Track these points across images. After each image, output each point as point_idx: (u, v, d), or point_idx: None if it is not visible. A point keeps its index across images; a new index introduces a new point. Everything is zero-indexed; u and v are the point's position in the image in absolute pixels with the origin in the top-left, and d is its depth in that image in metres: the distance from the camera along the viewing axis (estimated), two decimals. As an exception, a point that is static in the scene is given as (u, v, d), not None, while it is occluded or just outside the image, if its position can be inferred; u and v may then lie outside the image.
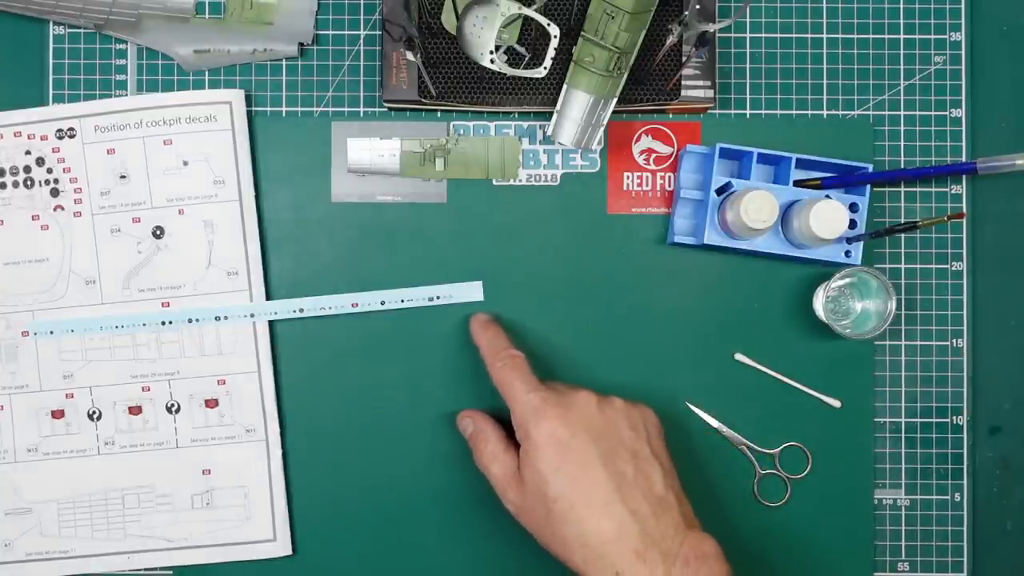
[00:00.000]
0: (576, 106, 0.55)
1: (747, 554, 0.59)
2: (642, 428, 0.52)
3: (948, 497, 0.60)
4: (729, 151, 0.58)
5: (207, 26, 0.59)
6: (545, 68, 0.52)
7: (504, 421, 0.54)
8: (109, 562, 0.59)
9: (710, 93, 0.59)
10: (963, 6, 0.61)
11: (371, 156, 0.60)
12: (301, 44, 0.59)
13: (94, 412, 0.59)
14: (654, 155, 0.60)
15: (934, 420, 0.61)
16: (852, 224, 0.58)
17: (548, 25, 0.51)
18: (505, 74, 0.52)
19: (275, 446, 0.59)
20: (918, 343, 0.60)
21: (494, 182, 0.60)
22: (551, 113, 0.56)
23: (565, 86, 0.55)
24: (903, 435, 0.60)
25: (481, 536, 0.59)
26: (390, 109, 0.60)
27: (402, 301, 0.59)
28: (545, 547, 0.50)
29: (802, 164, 0.58)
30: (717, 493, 0.60)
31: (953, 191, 0.61)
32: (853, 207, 0.58)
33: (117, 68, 0.60)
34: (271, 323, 0.59)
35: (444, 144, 0.60)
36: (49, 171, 0.58)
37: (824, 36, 0.60)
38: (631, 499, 0.49)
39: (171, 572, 0.59)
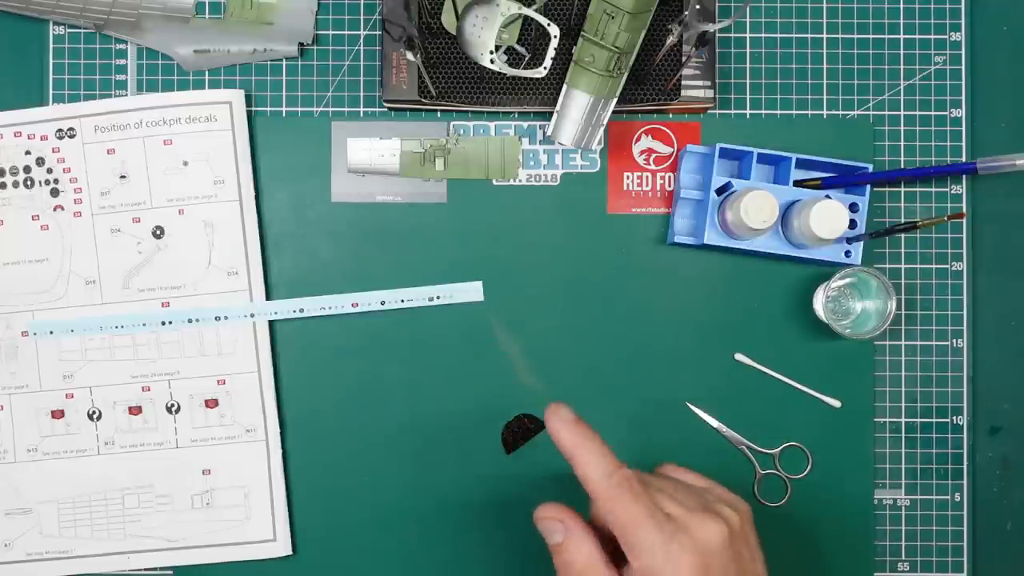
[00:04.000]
0: (576, 106, 0.55)
1: (747, 554, 0.59)
2: (755, 543, 0.48)
3: (948, 497, 0.60)
4: (729, 151, 0.58)
5: (207, 26, 0.59)
6: (545, 68, 0.52)
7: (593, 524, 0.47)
8: (109, 562, 0.59)
9: (710, 93, 0.59)
10: (963, 6, 0.61)
11: (371, 156, 0.60)
12: (301, 44, 0.59)
13: (94, 412, 0.59)
14: (654, 155, 0.60)
15: (934, 420, 0.60)
16: (852, 224, 0.58)
17: (548, 25, 0.51)
18: (505, 74, 0.52)
19: (275, 446, 0.59)
20: (918, 343, 0.60)
21: (494, 182, 0.60)
22: (551, 113, 0.56)
23: (565, 86, 0.55)
24: (903, 435, 0.60)
25: (480, 536, 0.59)
26: (390, 109, 0.60)
27: (402, 301, 0.59)
28: None
29: (802, 164, 0.58)
30: (717, 493, 0.60)
31: (953, 191, 0.61)
32: (853, 207, 0.58)
33: (117, 68, 0.60)
34: (271, 323, 0.59)
35: (444, 144, 0.60)
36: (49, 171, 0.58)
37: (824, 36, 0.60)
38: None
39: (171, 572, 0.59)
